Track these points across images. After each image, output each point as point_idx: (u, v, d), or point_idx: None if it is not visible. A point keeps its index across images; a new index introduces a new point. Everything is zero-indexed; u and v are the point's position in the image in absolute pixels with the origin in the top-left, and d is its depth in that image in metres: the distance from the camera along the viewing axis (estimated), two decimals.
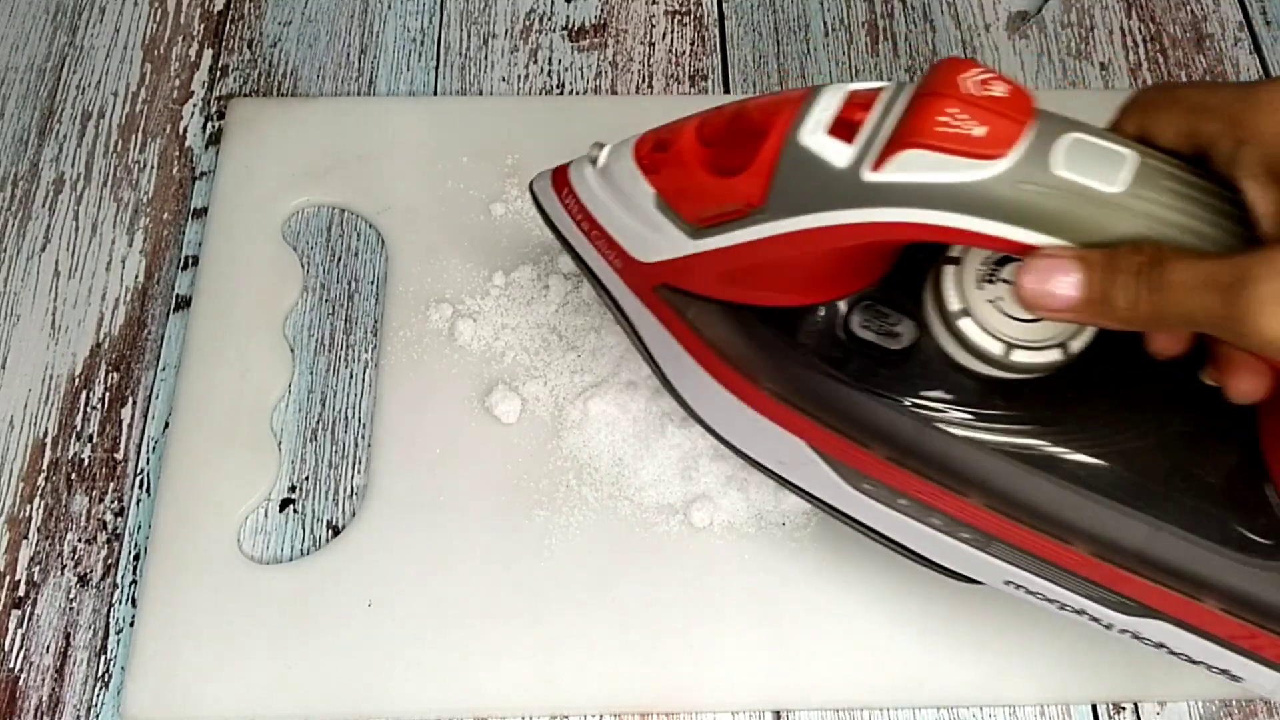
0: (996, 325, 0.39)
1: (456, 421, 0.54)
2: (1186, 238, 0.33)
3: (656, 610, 0.50)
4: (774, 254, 0.40)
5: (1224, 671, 0.41)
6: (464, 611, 0.49)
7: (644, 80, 0.65)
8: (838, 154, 0.37)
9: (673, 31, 0.67)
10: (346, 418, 0.55)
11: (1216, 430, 0.39)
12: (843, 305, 0.42)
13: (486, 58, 0.66)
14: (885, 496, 0.43)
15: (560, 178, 0.48)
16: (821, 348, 0.42)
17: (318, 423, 0.54)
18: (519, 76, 0.65)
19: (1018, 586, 0.43)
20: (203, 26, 0.67)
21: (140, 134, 0.63)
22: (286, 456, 0.54)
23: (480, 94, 0.65)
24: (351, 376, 0.56)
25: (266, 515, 0.52)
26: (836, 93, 0.38)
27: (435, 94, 0.65)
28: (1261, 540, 0.38)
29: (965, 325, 0.39)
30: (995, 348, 0.39)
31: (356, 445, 0.54)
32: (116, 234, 0.60)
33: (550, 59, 0.66)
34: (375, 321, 0.57)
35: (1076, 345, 0.39)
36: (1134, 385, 0.40)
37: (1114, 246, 0.34)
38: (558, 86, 0.65)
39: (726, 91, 0.65)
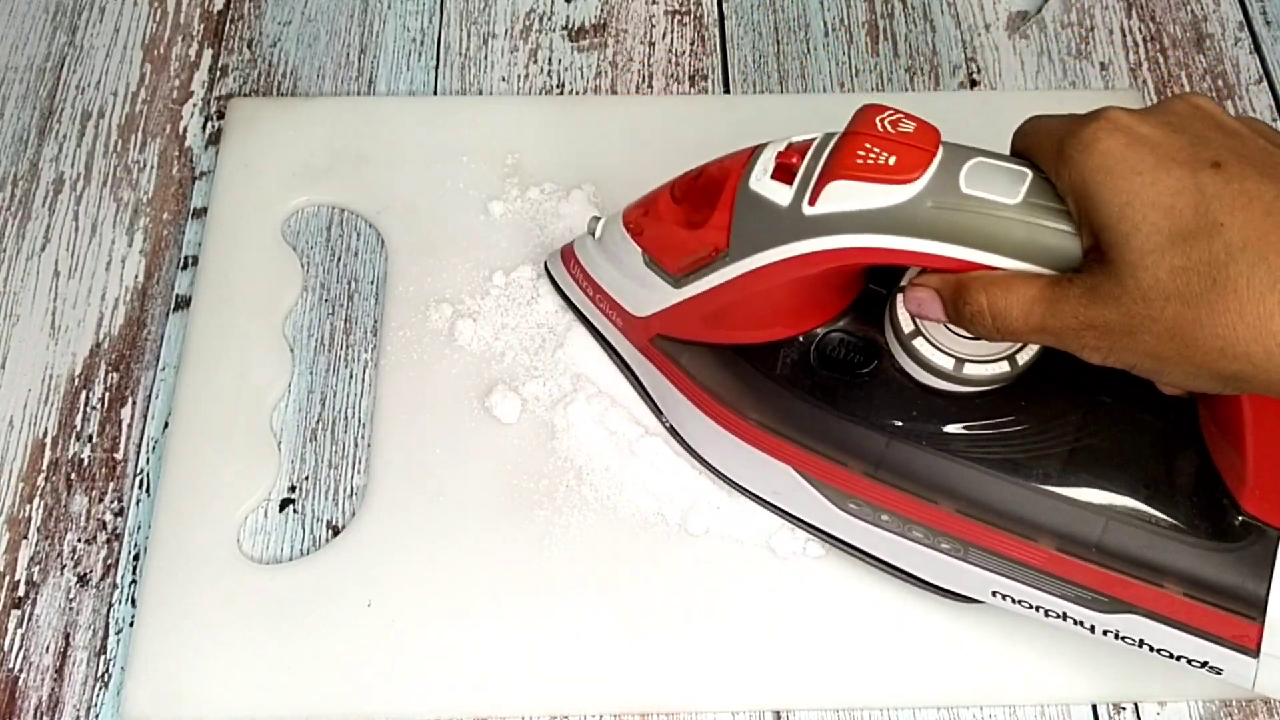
0: (947, 343, 0.43)
1: (456, 421, 0.53)
2: (1065, 243, 0.38)
3: (657, 610, 0.49)
4: (743, 291, 0.45)
5: (1204, 664, 0.43)
6: (463, 611, 0.49)
7: (644, 80, 0.65)
8: (781, 195, 0.42)
9: (673, 31, 0.67)
10: (346, 417, 0.55)
11: (1163, 428, 0.43)
12: (813, 338, 0.47)
13: (486, 57, 0.66)
14: (869, 515, 0.46)
15: (567, 252, 0.54)
16: (797, 377, 0.46)
17: (317, 422, 0.54)
18: (519, 76, 0.65)
19: (1004, 596, 0.45)
20: (202, 26, 0.67)
21: (140, 134, 0.63)
22: (286, 456, 0.54)
23: (480, 94, 0.65)
24: (351, 376, 0.56)
25: (266, 515, 0.52)
26: (778, 144, 0.44)
27: (435, 94, 0.65)
28: (1210, 525, 0.41)
29: (919, 344, 0.44)
30: (947, 363, 0.43)
31: (356, 445, 0.54)
32: (116, 234, 0.60)
33: (550, 59, 0.66)
34: (375, 321, 0.57)
35: (1024, 358, 0.43)
36: (1081, 391, 0.43)
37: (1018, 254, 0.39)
38: (558, 86, 0.65)
39: (726, 91, 0.65)
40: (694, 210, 0.46)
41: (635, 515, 0.51)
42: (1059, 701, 0.49)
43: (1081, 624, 0.44)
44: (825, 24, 0.67)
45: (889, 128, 0.41)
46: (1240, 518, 0.40)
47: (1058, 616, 0.45)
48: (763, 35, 0.67)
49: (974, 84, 0.65)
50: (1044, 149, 0.38)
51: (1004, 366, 0.43)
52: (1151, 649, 0.43)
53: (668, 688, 0.48)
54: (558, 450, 0.53)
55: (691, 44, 0.67)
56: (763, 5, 0.68)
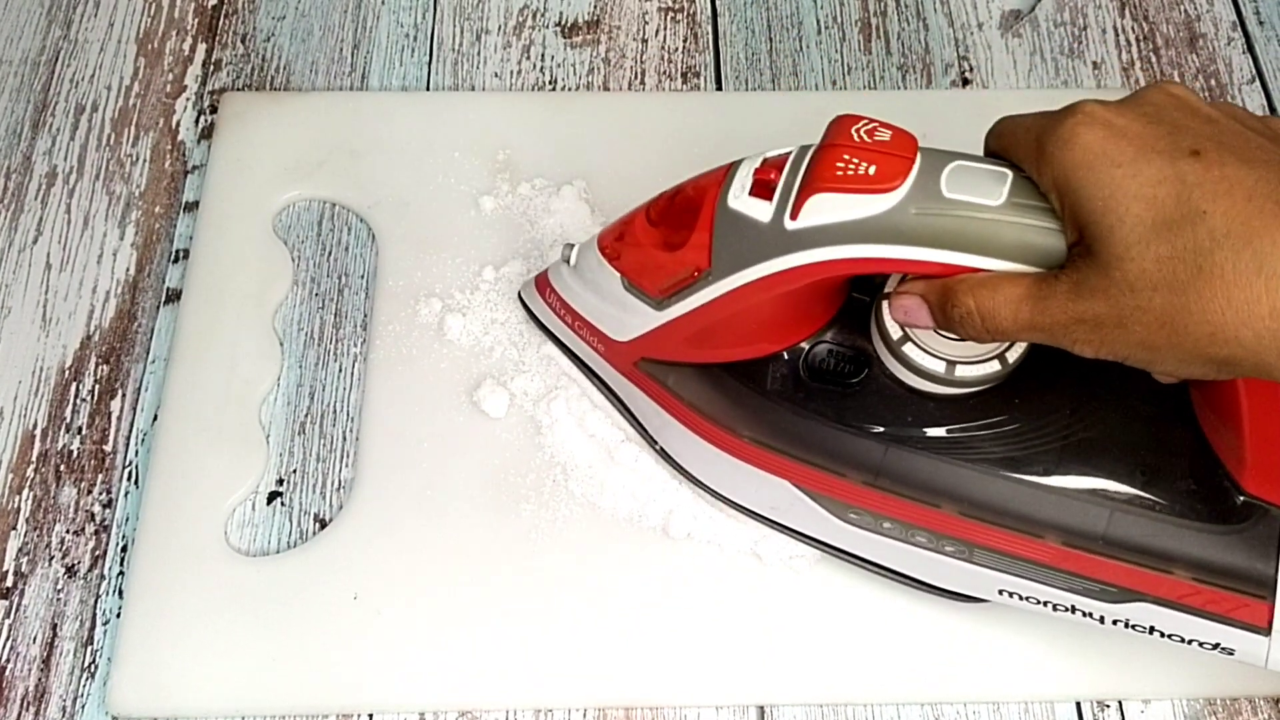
0: (936, 346, 0.43)
1: (444, 416, 0.54)
2: (1051, 241, 0.38)
3: (642, 605, 0.50)
4: (727, 310, 0.45)
5: (1216, 646, 0.43)
6: (450, 605, 0.49)
7: (636, 77, 0.65)
8: (761, 211, 0.42)
9: (666, 28, 0.67)
10: (335, 411, 0.55)
11: (1157, 415, 0.43)
12: (801, 351, 0.46)
13: (479, 53, 0.66)
14: (870, 523, 0.46)
15: (541, 280, 0.54)
16: (788, 391, 0.46)
17: (306, 416, 0.55)
18: (511, 72, 0.66)
19: (1011, 594, 0.45)
20: (196, 21, 0.67)
21: (133, 128, 0.63)
22: (274, 449, 0.54)
23: (472, 89, 0.65)
24: (340, 370, 0.56)
25: (254, 508, 0.52)
26: (753, 160, 0.43)
27: (428, 89, 0.65)
28: (1213, 508, 0.41)
29: (909, 350, 0.43)
30: (938, 366, 0.43)
31: (344, 439, 0.54)
32: (108, 227, 0.60)
33: (543, 55, 0.66)
34: (365, 316, 0.57)
35: (1013, 356, 0.43)
36: (1073, 384, 0.43)
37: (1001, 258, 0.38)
38: (550, 83, 0.65)
39: (719, 88, 0.65)
40: (672, 232, 0.46)
41: (619, 514, 0.51)
42: (1043, 699, 0.49)
43: (1090, 615, 0.44)
44: (818, 21, 0.68)
45: (865, 137, 0.41)
46: (1242, 498, 0.41)
47: (1066, 610, 0.44)
48: (755, 33, 0.67)
49: (966, 82, 0.65)
50: (1023, 147, 0.38)
51: (995, 366, 0.43)
52: (1162, 635, 0.43)
53: (653, 683, 0.48)
54: (544, 445, 0.53)
55: (684, 41, 0.67)
56: (756, 2, 0.68)
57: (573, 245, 0.51)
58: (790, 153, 0.43)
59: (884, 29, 0.67)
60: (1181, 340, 0.34)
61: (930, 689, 0.48)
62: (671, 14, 0.68)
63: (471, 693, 0.48)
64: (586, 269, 0.50)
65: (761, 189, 0.42)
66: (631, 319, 0.49)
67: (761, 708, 0.48)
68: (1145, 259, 0.34)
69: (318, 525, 0.52)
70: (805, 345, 0.46)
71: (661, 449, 0.51)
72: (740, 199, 0.43)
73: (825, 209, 0.40)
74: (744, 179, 0.43)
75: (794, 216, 0.41)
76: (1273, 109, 0.65)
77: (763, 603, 0.50)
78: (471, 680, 0.48)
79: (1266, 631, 0.41)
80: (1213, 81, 0.65)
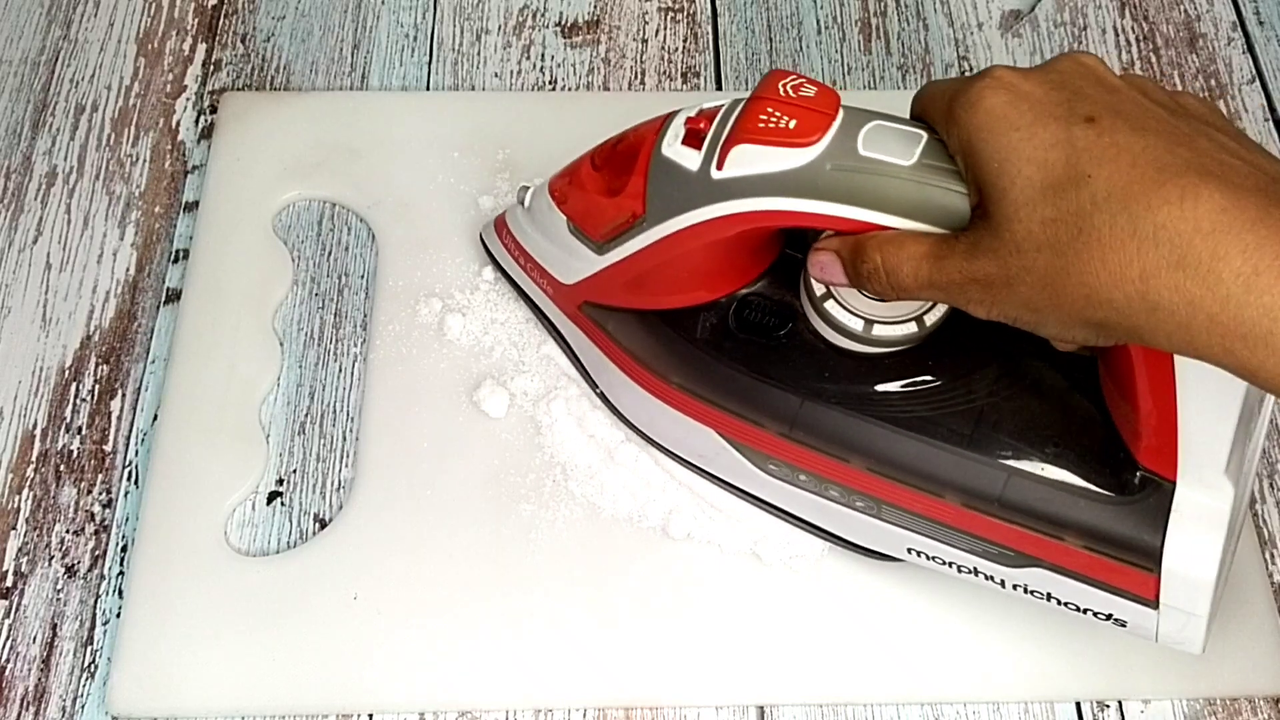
0: (857, 305, 0.45)
1: (444, 416, 0.54)
2: (955, 202, 0.38)
3: (641, 605, 0.50)
4: (661, 256, 0.46)
5: (1110, 617, 0.44)
6: (449, 605, 0.49)
7: (636, 77, 0.65)
8: (691, 160, 0.43)
9: (666, 28, 0.67)
10: (335, 411, 0.55)
11: (1066, 386, 0.44)
12: (732, 302, 0.47)
13: (479, 53, 0.66)
14: (788, 475, 0.47)
15: (500, 222, 0.55)
16: (716, 341, 0.47)
17: (306, 416, 0.55)
18: (511, 72, 0.66)
19: (919, 553, 0.46)
20: (196, 21, 0.67)
21: (133, 128, 0.63)
22: (274, 449, 0.54)
23: (473, 89, 0.65)
24: (340, 370, 0.56)
25: (254, 508, 0.52)
26: (689, 110, 0.44)
27: (428, 89, 0.65)
28: (1109, 480, 0.42)
29: (830, 307, 0.45)
30: (856, 324, 0.44)
31: (344, 439, 0.54)
32: (108, 227, 0.60)
33: (543, 55, 0.66)
34: (365, 315, 0.57)
35: (931, 319, 0.44)
36: (989, 352, 0.44)
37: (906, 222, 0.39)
38: (550, 82, 0.65)
39: (719, 89, 0.65)
40: (613, 177, 0.47)
41: (619, 514, 0.51)
42: (1043, 699, 0.49)
43: (992, 579, 0.45)
44: (818, 21, 0.68)
45: (790, 92, 0.41)
46: (1138, 472, 0.41)
47: (970, 572, 0.46)
48: (755, 33, 0.67)
49: None
50: (936, 110, 0.39)
51: (912, 328, 0.44)
52: (1059, 603, 0.44)
53: (652, 683, 0.48)
54: (544, 445, 0.53)
55: (684, 41, 0.67)
56: (756, 2, 0.68)
57: (528, 187, 0.53)
58: (723, 104, 0.44)
59: (884, 29, 0.67)
60: (1061, 301, 0.35)
61: (930, 689, 0.48)
62: (671, 14, 0.68)
63: (471, 693, 0.48)
64: (537, 211, 0.51)
65: (692, 138, 0.43)
66: (575, 262, 0.50)
67: (761, 708, 0.48)
68: (1032, 220, 0.35)
69: (318, 525, 0.52)
70: (737, 297, 0.47)
71: (602, 393, 0.52)
72: (673, 147, 0.44)
73: (747, 160, 0.41)
74: (677, 128, 0.44)
75: (719, 166, 0.42)
76: (1273, 109, 0.65)
77: (763, 603, 0.50)
78: (471, 680, 0.48)
79: (1155, 605, 0.42)
80: (1213, 81, 0.66)
